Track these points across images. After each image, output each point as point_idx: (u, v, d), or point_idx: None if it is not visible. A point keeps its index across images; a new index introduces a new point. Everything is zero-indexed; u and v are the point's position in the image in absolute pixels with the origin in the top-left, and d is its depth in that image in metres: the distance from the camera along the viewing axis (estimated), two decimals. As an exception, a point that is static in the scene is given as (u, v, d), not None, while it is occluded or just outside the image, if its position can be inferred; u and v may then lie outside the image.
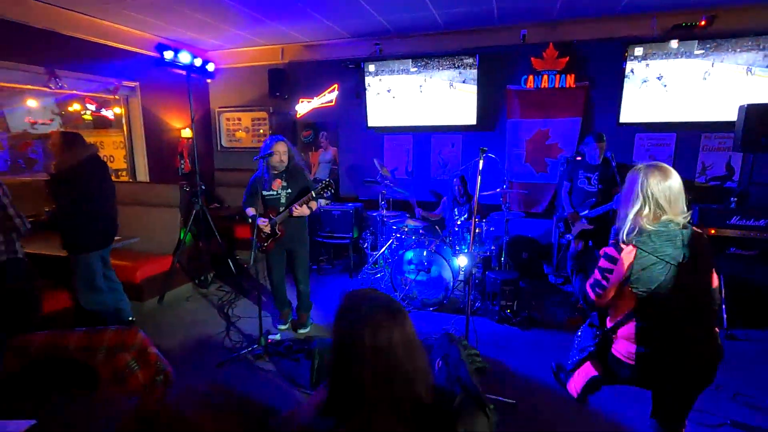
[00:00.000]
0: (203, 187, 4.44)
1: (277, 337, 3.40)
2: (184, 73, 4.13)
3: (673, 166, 1.62)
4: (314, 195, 3.15)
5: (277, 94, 5.72)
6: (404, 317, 1.00)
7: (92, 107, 5.41)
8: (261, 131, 6.18)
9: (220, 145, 6.40)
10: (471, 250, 2.91)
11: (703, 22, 4.11)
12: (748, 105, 3.66)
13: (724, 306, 3.50)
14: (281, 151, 3.20)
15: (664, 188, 1.54)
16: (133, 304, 3.69)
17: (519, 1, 4.01)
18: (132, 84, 5.03)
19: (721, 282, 3.53)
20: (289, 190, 3.25)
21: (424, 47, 5.14)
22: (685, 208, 1.58)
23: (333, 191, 3.19)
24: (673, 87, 4.40)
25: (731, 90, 4.22)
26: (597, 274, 1.66)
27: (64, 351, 1.59)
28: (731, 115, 3.88)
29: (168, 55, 3.72)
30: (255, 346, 3.14)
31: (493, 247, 4.30)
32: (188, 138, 5.76)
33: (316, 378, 2.47)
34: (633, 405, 2.43)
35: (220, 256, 4.55)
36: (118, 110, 5.30)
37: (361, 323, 0.98)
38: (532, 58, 4.76)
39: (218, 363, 3.00)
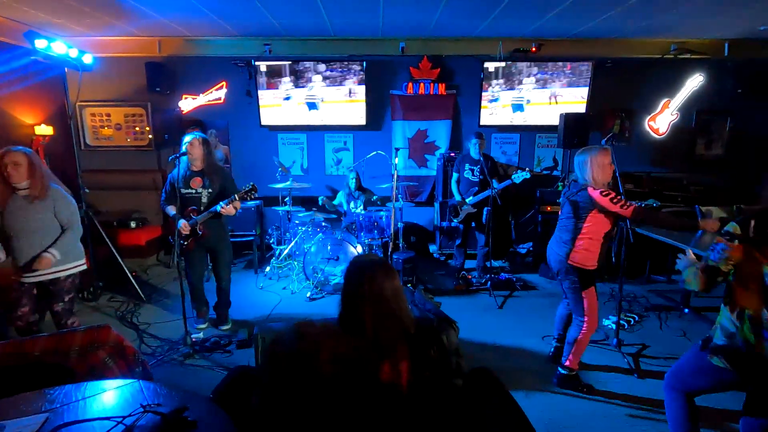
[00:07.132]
0: (86, 191, 4.02)
1: (200, 335, 3.41)
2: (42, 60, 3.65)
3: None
4: (237, 197, 3.20)
5: (158, 89, 5.36)
6: (394, 273, 1.42)
7: None
8: (137, 128, 5.69)
9: (84, 143, 5.68)
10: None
11: (534, 49, 5.34)
12: (566, 113, 4.95)
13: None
14: (194, 148, 3.19)
15: None
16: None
17: (401, 15, 4.62)
18: (-33, 71, 4.20)
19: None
20: (210, 190, 3.26)
21: (314, 51, 5.44)
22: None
23: (256, 195, 3.28)
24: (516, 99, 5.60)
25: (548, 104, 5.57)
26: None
27: (29, 357, 1.54)
28: (555, 120, 5.16)
29: (40, 44, 3.30)
30: (180, 347, 3.13)
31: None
32: (44, 135, 5.00)
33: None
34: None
35: (108, 266, 4.19)
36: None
37: (364, 276, 1.36)
38: (410, 68, 5.49)
39: (143, 369, 2.92)
